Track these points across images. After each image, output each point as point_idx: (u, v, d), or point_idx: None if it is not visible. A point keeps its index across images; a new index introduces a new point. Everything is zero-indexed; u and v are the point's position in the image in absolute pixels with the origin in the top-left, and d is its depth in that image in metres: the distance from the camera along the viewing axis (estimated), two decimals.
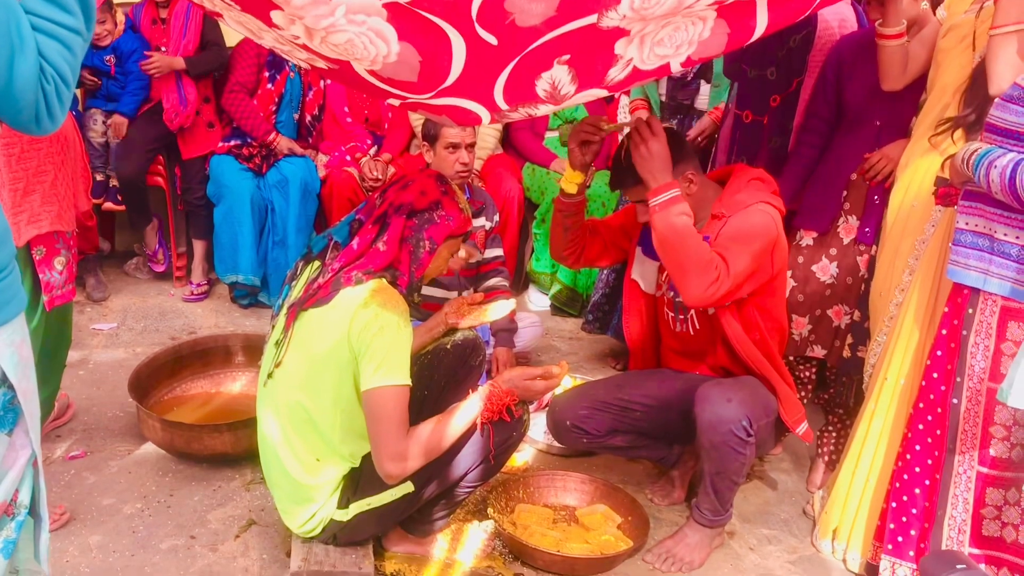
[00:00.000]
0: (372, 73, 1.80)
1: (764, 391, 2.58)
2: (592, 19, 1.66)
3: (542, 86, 1.87)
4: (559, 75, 1.84)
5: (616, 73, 1.87)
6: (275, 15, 1.63)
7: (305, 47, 1.74)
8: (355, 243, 2.21)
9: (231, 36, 4.27)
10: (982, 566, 2.27)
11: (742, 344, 2.57)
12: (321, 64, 1.84)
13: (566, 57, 1.78)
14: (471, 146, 3.28)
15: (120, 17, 4.23)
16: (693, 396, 2.51)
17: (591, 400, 2.72)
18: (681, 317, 2.70)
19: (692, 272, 2.36)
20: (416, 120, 4.41)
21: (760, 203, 2.49)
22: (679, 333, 2.73)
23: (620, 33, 1.73)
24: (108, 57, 4.19)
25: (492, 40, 1.68)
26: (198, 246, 4.45)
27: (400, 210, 2.21)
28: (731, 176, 2.62)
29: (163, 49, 4.21)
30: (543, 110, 2.05)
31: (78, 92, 4.20)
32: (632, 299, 2.86)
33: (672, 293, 2.70)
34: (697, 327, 2.67)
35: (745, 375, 2.62)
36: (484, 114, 2.00)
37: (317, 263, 2.28)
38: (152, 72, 4.14)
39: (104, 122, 4.23)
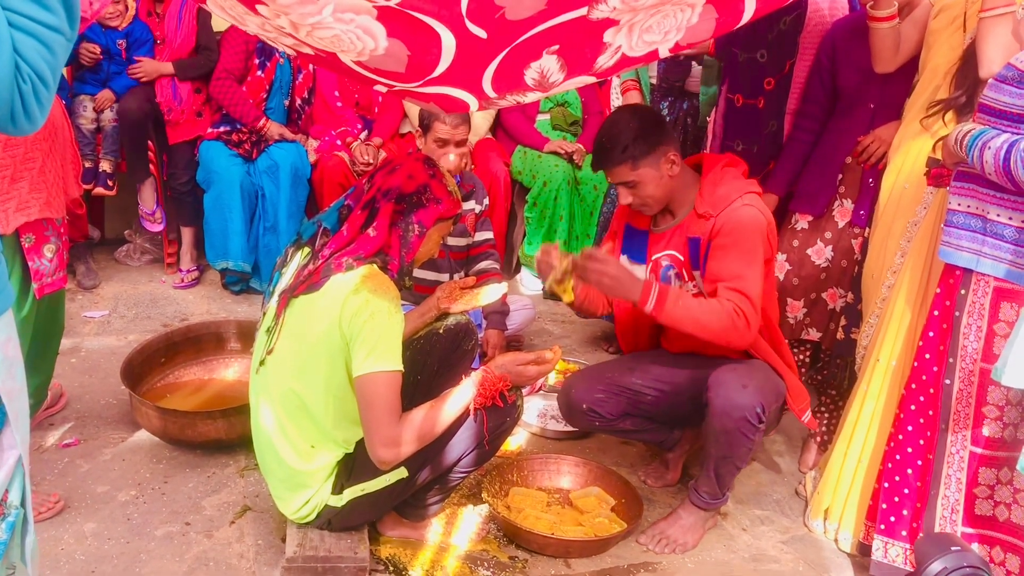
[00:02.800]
0: (359, 64, 1.79)
1: (775, 377, 2.58)
2: (582, 11, 1.65)
3: (531, 75, 1.87)
4: (548, 64, 1.83)
5: (605, 60, 1.86)
6: (260, 8, 1.62)
7: (291, 35, 1.72)
8: (345, 229, 2.20)
9: (218, 23, 4.24)
10: (975, 546, 2.29)
11: None
12: (307, 51, 1.82)
13: (555, 47, 1.77)
14: (460, 143, 3.26)
15: (131, 3, 4.20)
16: (705, 381, 2.51)
17: (607, 384, 2.71)
18: None
19: (720, 333, 2.42)
20: (411, 106, 4.39)
21: (743, 195, 2.50)
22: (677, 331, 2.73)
23: (610, 23, 1.72)
24: (120, 41, 4.17)
25: (482, 34, 1.67)
26: (186, 233, 4.42)
27: (388, 195, 2.20)
28: (703, 166, 2.62)
29: (158, 42, 4.21)
30: (531, 97, 2.04)
31: (65, 72, 4.15)
32: (623, 310, 2.83)
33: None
34: None
35: (754, 359, 2.62)
36: (472, 101, 1.99)
37: (307, 249, 2.27)
38: (140, 78, 4.15)
39: (94, 109, 4.19)
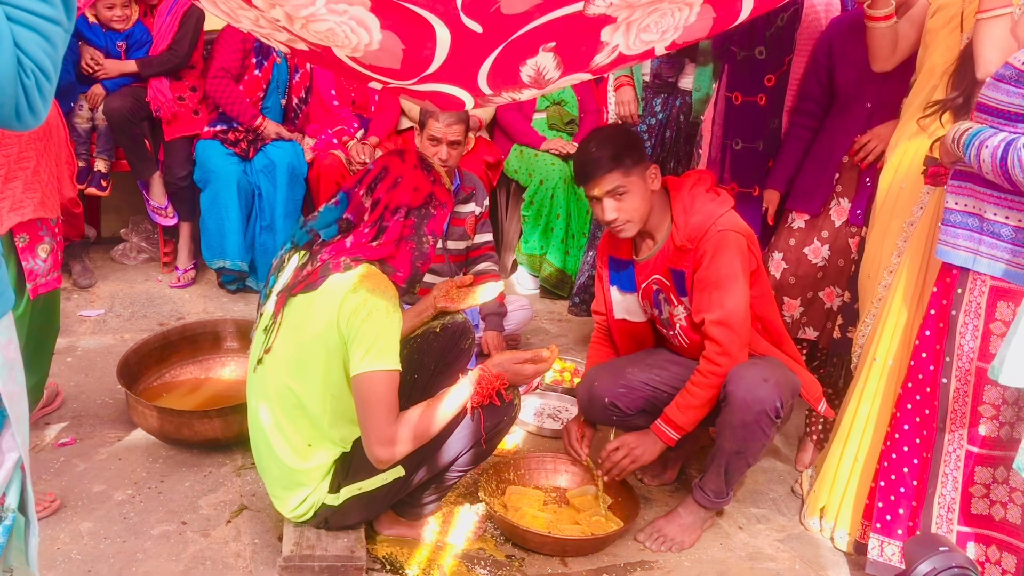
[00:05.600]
0: (354, 59, 1.78)
1: (792, 373, 2.59)
2: (578, 7, 1.65)
3: (527, 72, 1.86)
4: (544, 61, 1.83)
5: (601, 59, 1.86)
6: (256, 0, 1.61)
7: (286, 29, 1.72)
8: (348, 241, 2.19)
9: (213, 22, 4.23)
10: (971, 544, 2.29)
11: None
12: (302, 46, 1.82)
13: (551, 44, 1.77)
14: (453, 143, 3.24)
15: (136, 7, 4.21)
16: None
17: (628, 380, 2.72)
18: (672, 333, 2.72)
19: (719, 386, 2.51)
20: (409, 105, 4.38)
21: (717, 221, 2.52)
22: (678, 347, 2.75)
23: (606, 20, 1.72)
24: (120, 43, 4.17)
25: (477, 28, 1.66)
26: (183, 228, 4.39)
27: (397, 212, 2.20)
28: (668, 189, 2.63)
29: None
30: (527, 95, 2.04)
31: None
32: (623, 335, 2.84)
33: (657, 311, 2.70)
34: (687, 342, 2.68)
35: (770, 357, 2.64)
36: (467, 99, 1.99)
37: (304, 252, 2.26)
38: (101, 77, 4.14)
39: (89, 108, 4.18)
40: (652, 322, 2.80)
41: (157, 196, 4.33)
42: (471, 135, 4.47)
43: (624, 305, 2.79)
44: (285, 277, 2.27)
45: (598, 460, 2.68)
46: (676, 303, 2.63)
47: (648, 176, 2.55)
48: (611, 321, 2.85)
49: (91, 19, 4.14)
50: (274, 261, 2.36)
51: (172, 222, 4.39)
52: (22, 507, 1.49)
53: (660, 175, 2.59)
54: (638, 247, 2.71)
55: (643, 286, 2.70)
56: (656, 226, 2.62)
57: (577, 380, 3.32)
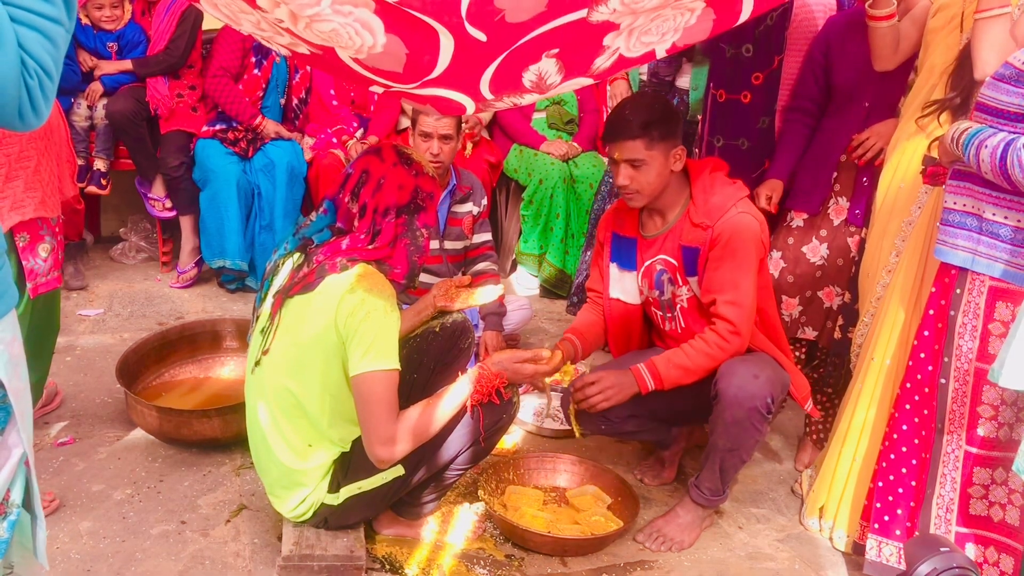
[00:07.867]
0: (357, 61, 1.78)
1: (781, 370, 2.59)
2: (582, 14, 1.65)
3: (529, 77, 1.87)
4: (546, 67, 1.84)
5: (602, 62, 1.87)
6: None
7: (288, 31, 1.72)
8: (344, 243, 2.19)
9: (213, 22, 4.23)
10: (969, 546, 2.29)
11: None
12: (303, 49, 1.82)
13: (555, 50, 1.78)
14: (444, 138, 3.23)
15: (128, 5, 4.21)
16: (711, 375, 2.52)
17: None
18: (669, 315, 2.71)
19: (717, 364, 2.51)
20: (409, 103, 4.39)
21: (736, 204, 2.53)
22: (670, 332, 2.74)
23: (610, 27, 1.72)
24: (111, 44, 4.17)
25: (481, 37, 1.67)
26: (185, 225, 4.34)
27: (387, 214, 2.19)
28: (689, 172, 2.64)
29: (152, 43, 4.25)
30: (528, 99, 2.04)
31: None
32: (614, 318, 2.82)
33: (657, 292, 2.70)
34: (684, 326, 2.68)
35: (759, 352, 2.63)
36: (469, 104, 1.99)
37: (299, 255, 2.26)
38: (98, 75, 4.17)
39: (88, 105, 4.18)
40: (643, 307, 2.79)
41: (156, 188, 4.34)
42: (475, 135, 4.47)
43: (621, 284, 2.78)
44: (281, 279, 2.27)
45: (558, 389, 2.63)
46: (681, 283, 2.62)
47: (672, 155, 2.54)
48: (604, 299, 2.84)
49: (84, 20, 4.14)
50: (268, 265, 2.36)
51: (170, 215, 4.37)
52: (27, 503, 1.49)
53: (684, 157, 2.58)
54: (644, 224, 2.70)
55: (646, 264, 2.68)
56: (669, 204, 2.61)
57: None
